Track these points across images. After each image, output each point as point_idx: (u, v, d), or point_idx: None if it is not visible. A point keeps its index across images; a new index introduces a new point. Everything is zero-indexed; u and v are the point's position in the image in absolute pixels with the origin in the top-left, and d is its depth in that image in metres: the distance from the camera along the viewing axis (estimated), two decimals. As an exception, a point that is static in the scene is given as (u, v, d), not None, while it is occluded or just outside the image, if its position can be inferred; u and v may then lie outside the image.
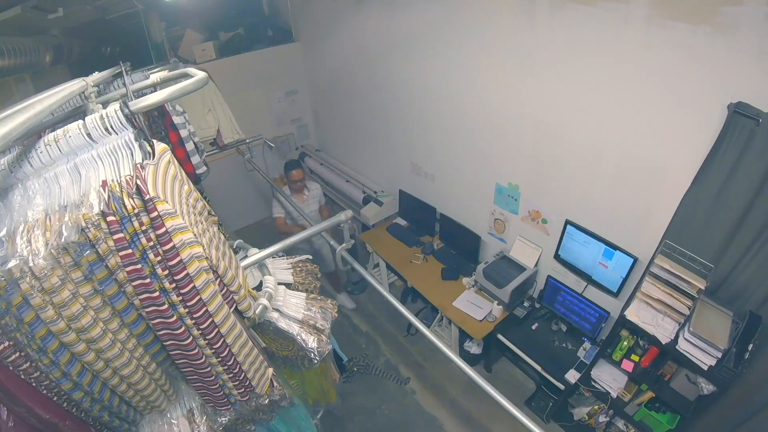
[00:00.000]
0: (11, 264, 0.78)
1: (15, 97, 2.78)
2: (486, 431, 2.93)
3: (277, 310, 1.27)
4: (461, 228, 3.36)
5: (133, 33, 3.92)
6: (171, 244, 0.86)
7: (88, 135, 0.85)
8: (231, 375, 1.11)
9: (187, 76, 1.05)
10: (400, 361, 3.49)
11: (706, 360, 1.82)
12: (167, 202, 0.85)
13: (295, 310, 1.31)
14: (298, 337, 1.27)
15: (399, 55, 3.30)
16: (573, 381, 2.52)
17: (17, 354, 0.88)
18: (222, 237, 1.18)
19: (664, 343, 1.94)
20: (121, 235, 0.83)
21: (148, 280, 0.88)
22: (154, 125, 1.96)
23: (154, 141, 0.92)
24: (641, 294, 2.03)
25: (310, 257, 1.61)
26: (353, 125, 4.42)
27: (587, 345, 2.69)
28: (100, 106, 1.11)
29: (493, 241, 3.27)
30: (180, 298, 0.92)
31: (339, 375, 1.86)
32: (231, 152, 3.27)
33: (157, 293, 0.90)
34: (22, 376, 0.91)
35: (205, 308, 0.95)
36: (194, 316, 0.95)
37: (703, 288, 1.88)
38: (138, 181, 0.82)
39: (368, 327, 3.85)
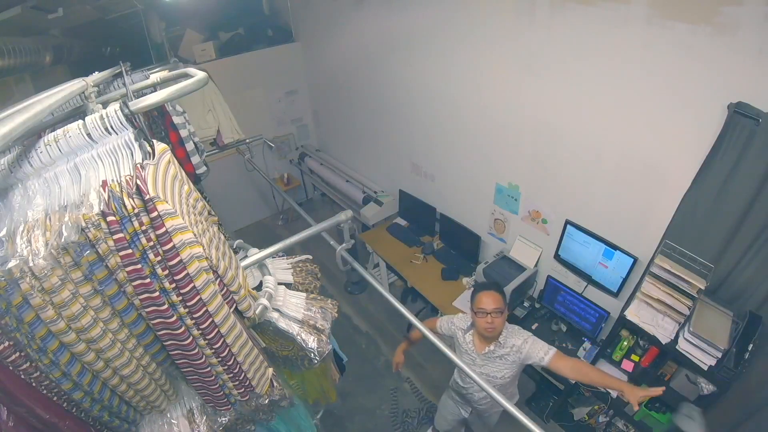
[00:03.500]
0: (11, 264, 0.78)
1: (15, 97, 2.78)
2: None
3: (277, 310, 1.27)
4: (461, 228, 3.36)
5: (133, 33, 3.93)
6: (171, 244, 0.86)
7: (88, 135, 0.85)
8: (231, 375, 1.11)
9: (187, 76, 1.05)
10: (400, 361, 3.49)
11: (706, 360, 1.82)
12: (167, 202, 0.85)
13: (295, 310, 1.30)
14: (298, 337, 1.26)
15: (399, 55, 3.30)
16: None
17: (17, 354, 0.88)
18: (222, 237, 1.18)
19: (664, 343, 1.94)
20: (121, 235, 0.82)
21: (148, 280, 0.88)
22: (154, 125, 1.96)
23: (154, 141, 0.92)
24: (641, 294, 2.03)
25: (310, 257, 1.58)
26: (353, 125, 4.43)
27: (587, 345, 2.69)
28: (100, 106, 1.11)
29: (493, 241, 3.27)
30: (180, 298, 0.92)
31: (339, 375, 1.86)
32: (231, 152, 3.28)
33: (157, 293, 0.90)
34: (22, 376, 0.91)
35: (205, 308, 0.95)
36: (194, 316, 0.95)
37: (703, 288, 1.88)
38: (138, 181, 0.82)
39: (368, 327, 3.84)
